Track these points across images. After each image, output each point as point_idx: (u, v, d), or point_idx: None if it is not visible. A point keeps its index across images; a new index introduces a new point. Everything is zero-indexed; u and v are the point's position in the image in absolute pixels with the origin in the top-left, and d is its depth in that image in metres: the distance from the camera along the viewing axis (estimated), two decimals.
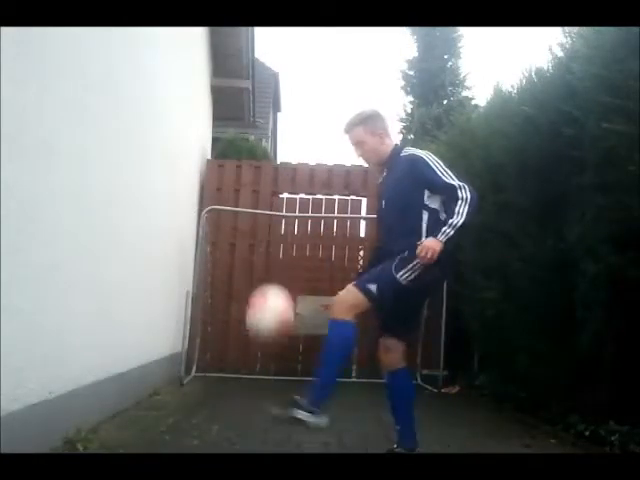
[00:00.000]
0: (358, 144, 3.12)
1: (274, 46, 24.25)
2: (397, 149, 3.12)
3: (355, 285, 2.87)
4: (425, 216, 2.88)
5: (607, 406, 3.51)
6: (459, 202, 2.77)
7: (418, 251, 2.72)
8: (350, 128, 3.12)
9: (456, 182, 2.83)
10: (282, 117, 20.80)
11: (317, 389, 2.79)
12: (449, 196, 2.83)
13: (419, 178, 2.90)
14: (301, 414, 2.68)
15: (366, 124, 3.08)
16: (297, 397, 2.74)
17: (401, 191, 2.96)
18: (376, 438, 3.47)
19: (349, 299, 2.85)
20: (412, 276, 2.79)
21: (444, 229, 2.74)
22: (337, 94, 48.65)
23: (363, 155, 3.14)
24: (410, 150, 3.04)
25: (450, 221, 2.75)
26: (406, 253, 2.79)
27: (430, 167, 2.89)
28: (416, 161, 2.94)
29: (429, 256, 2.70)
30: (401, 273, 2.80)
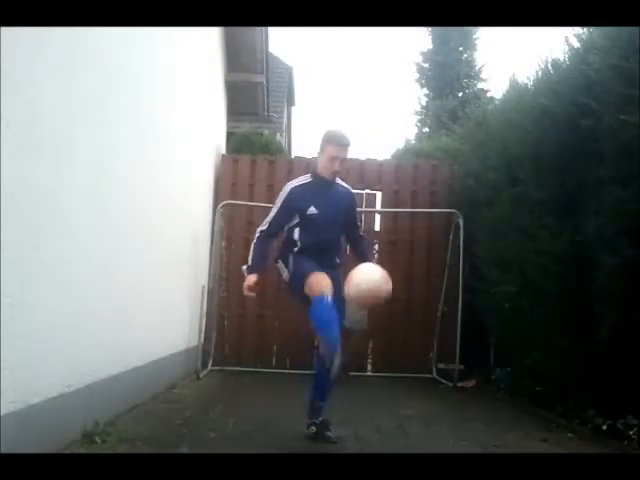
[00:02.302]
0: (345, 160, 3.33)
1: (288, 40, 24.15)
2: None
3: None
4: (343, 241, 3.47)
5: (625, 400, 3.48)
6: (366, 240, 3.78)
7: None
8: (349, 144, 3.29)
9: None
10: (297, 111, 20.78)
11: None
12: (355, 233, 3.51)
13: (352, 212, 3.45)
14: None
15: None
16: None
17: (342, 215, 3.32)
18: (391, 432, 3.47)
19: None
20: None
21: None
22: (351, 86, 48.40)
23: (341, 169, 3.30)
24: (340, 180, 3.40)
25: (372, 253, 3.83)
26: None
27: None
28: (354, 198, 3.51)
29: None
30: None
